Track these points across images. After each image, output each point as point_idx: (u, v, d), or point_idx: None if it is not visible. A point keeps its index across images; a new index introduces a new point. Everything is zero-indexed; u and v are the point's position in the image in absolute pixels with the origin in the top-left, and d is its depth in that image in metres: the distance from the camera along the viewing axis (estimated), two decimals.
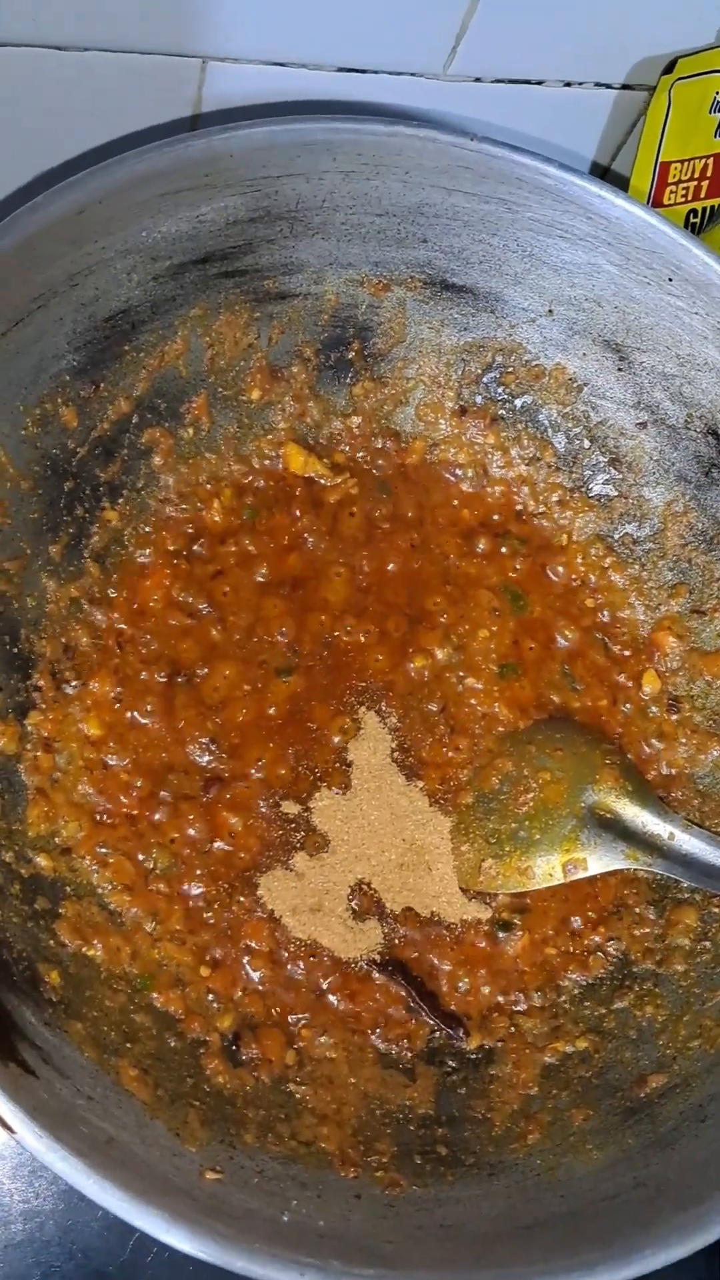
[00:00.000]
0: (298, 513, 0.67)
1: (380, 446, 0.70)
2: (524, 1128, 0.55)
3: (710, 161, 0.70)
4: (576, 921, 0.62)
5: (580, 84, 0.71)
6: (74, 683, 0.60)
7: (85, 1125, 0.45)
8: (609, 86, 0.72)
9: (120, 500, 0.64)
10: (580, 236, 0.64)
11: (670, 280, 0.63)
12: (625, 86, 0.72)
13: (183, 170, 0.58)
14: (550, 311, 0.67)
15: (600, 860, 0.61)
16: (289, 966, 0.58)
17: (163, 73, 0.65)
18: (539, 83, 0.70)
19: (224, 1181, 0.47)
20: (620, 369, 0.67)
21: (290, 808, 0.61)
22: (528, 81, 0.70)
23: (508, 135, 0.74)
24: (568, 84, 0.71)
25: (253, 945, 0.58)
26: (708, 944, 0.61)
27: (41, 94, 0.65)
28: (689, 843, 0.60)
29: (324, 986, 0.58)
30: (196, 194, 0.59)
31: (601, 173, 0.79)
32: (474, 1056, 0.59)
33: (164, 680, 0.62)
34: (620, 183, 0.73)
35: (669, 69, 0.69)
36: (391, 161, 0.61)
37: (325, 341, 0.68)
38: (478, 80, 0.69)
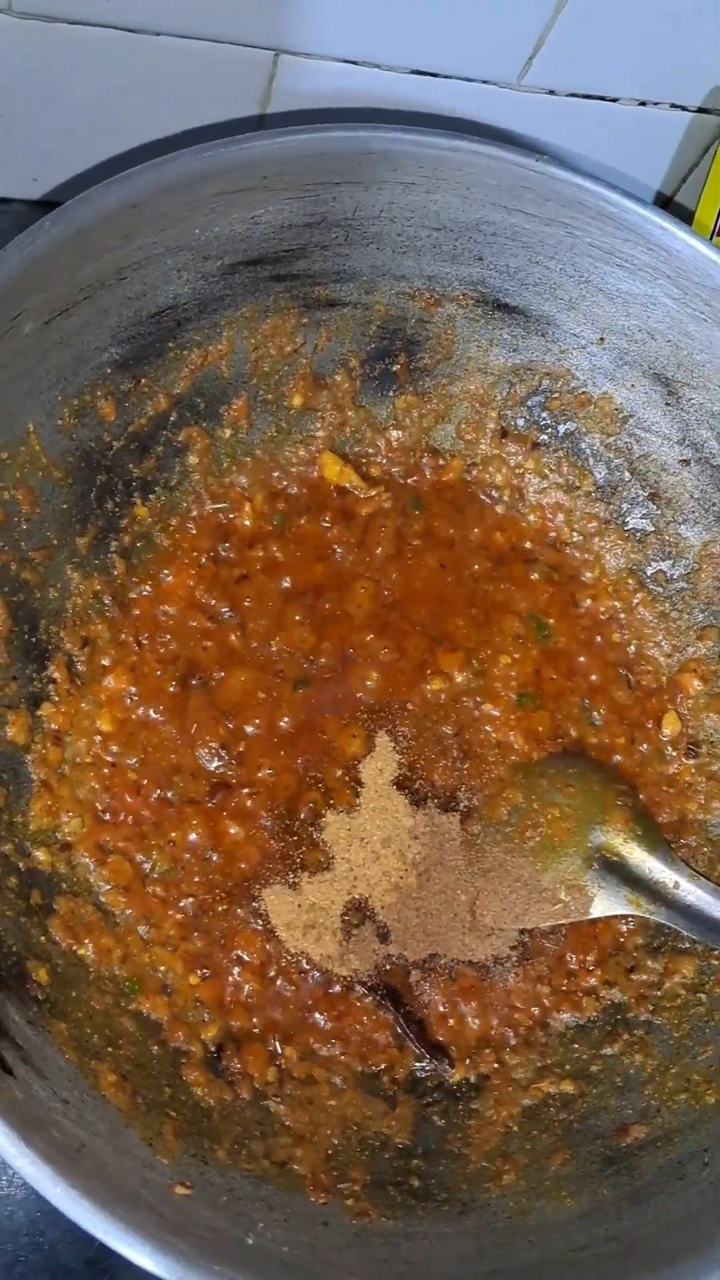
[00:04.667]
0: (329, 522, 0.66)
1: (417, 462, 0.69)
2: (500, 1167, 0.55)
3: None
4: (573, 961, 0.61)
5: (655, 104, 0.70)
6: (89, 677, 0.60)
7: (58, 1130, 0.45)
8: (684, 109, 0.70)
9: (151, 496, 0.64)
10: (639, 267, 0.62)
11: None
12: (701, 110, 0.70)
13: (240, 171, 0.57)
14: (602, 340, 0.66)
15: (602, 903, 0.60)
16: (278, 982, 0.58)
17: (234, 63, 0.64)
18: (613, 99, 0.69)
19: (193, 1198, 0.47)
20: (668, 403, 0.66)
21: (294, 821, 0.61)
22: (602, 98, 0.69)
23: (575, 154, 0.73)
24: (642, 103, 0.70)
25: (244, 957, 0.58)
26: (703, 996, 0.60)
27: (112, 76, 0.64)
28: (693, 893, 0.59)
29: (311, 1005, 0.58)
30: (252, 195, 0.58)
31: (664, 203, 0.77)
32: (457, 1090, 0.58)
33: (179, 681, 0.62)
34: (683, 215, 0.72)
35: None
36: (452, 176, 0.60)
37: (371, 352, 0.67)
38: (551, 93, 0.68)
